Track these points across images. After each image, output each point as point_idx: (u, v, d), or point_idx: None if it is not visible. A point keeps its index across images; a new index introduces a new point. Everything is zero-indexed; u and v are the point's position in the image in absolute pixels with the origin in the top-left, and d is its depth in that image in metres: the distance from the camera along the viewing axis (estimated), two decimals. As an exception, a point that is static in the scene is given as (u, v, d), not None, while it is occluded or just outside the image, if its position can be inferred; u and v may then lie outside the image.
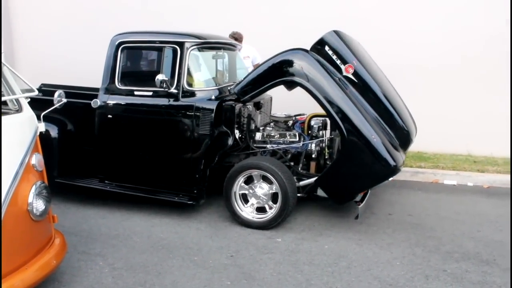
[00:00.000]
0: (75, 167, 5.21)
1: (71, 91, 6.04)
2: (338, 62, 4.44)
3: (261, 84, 4.64)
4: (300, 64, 4.42)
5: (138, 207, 4.96)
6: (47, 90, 5.31)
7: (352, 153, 4.24)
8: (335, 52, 4.45)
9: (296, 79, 4.44)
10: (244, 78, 4.75)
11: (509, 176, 6.20)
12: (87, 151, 5.09)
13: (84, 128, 5.08)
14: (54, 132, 5.08)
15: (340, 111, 4.21)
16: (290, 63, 4.49)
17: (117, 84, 4.83)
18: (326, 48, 4.45)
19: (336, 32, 4.55)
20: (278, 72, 4.55)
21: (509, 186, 6.06)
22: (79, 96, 5.45)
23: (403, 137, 4.56)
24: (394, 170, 4.20)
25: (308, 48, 4.52)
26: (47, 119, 4.97)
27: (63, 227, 4.45)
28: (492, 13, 6.84)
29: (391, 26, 6.86)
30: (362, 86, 4.45)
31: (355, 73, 4.43)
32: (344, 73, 4.42)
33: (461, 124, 7.04)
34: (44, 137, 4.92)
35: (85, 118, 5.00)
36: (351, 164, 4.27)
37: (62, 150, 5.11)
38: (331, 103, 4.26)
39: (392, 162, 4.14)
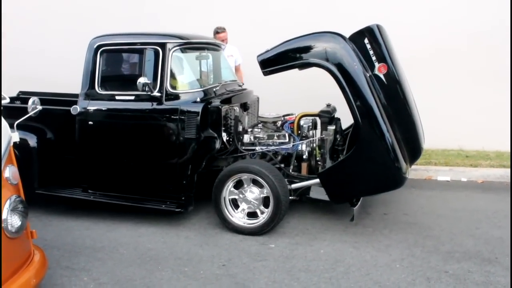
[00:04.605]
0: (56, 177, 4.98)
1: (51, 98, 5.85)
2: (374, 58, 4.22)
3: (282, 63, 4.40)
4: (326, 46, 4.17)
5: (124, 216, 4.74)
6: (25, 98, 5.09)
7: (367, 149, 4.08)
8: (374, 47, 4.23)
9: (316, 60, 4.21)
10: (270, 50, 4.45)
11: (503, 170, 6.11)
12: (68, 160, 4.87)
13: (65, 136, 4.85)
14: (33, 141, 4.85)
15: (363, 101, 4.02)
16: (315, 46, 4.26)
17: (97, 89, 4.61)
18: (366, 40, 4.22)
19: (379, 26, 4.35)
20: (299, 53, 4.33)
21: (503, 180, 5.97)
22: (59, 103, 5.25)
23: (413, 151, 4.46)
24: (403, 179, 4.10)
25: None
26: (25, 128, 4.80)
27: (45, 240, 4.25)
28: (483, 6, 6.76)
29: (379, 19, 6.69)
30: (390, 90, 4.26)
31: (387, 75, 4.23)
32: (376, 71, 4.22)
33: (451, 119, 6.94)
34: (23, 147, 4.76)
35: (66, 126, 4.77)
36: (363, 160, 4.11)
37: (42, 159, 4.87)
38: (355, 92, 4.04)
39: (402, 170, 4.04)
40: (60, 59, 8.10)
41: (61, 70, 7.84)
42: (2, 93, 2.99)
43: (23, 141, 4.76)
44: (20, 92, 6.29)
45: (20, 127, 4.64)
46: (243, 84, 5.62)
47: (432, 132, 6.61)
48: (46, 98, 5.79)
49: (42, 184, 4.88)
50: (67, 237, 4.35)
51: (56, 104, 5.16)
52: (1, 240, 2.62)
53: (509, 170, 6.04)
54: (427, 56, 6.91)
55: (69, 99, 5.16)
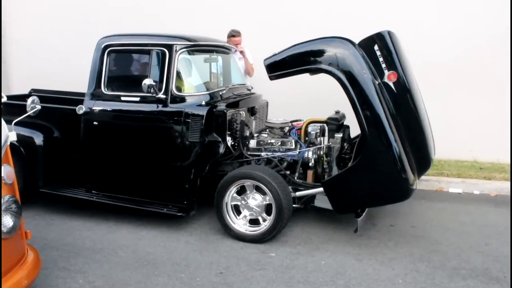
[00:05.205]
0: (62, 176, 4.98)
1: (60, 97, 5.87)
2: (383, 65, 4.11)
3: (289, 67, 4.28)
4: (335, 52, 4.05)
5: (126, 218, 4.71)
6: (37, 96, 5.09)
7: (373, 158, 3.96)
8: (384, 54, 4.13)
9: (323, 66, 4.09)
10: (277, 54, 4.33)
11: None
12: (74, 159, 4.85)
13: (71, 136, 4.84)
14: (39, 139, 4.85)
15: (370, 109, 3.90)
16: (323, 51, 4.14)
17: (103, 89, 4.59)
18: (376, 47, 4.12)
19: (390, 33, 4.24)
20: (307, 58, 4.21)
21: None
22: (68, 101, 5.24)
23: (422, 162, 4.34)
24: (409, 190, 3.98)
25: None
26: (32, 126, 4.83)
27: (45, 240, 4.24)
28: (495, 12, 6.57)
29: (392, 25, 6.59)
30: (399, 99, 4.14)
31: (397, 83, 4.12)
32: (386, 79, 4.11)
33: (465, 129, 6.76)
34: (29, 145, 4.78)
35: (72, 125, 4.76)
36: (368, 171, 3.99)
37: (48, 158, 4.87)
38: (362, 98, 3.91)
39: (410, 182, 3.92)
40: (74, 58, 8.12)
41: (75, 69, 7.86)
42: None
43: (29, 139, 4.80)
44: (32, 89, 6.32)
45: (26, 125, 4.74)
46: (251, 88, 5.54)
47: (446, 142, 6.47)
48: (56, 97, 5.85)
49: (47, 182, 4.87)
50: (67, 237, 4.32)
51: (65, 103, 5.16)
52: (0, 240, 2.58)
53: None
54: (440, 63, 6.75)
55: (80, 98, 5.15)
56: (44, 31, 8.57)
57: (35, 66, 8.53)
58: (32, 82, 6.99)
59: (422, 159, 4.35)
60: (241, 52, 6.29)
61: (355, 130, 4.77)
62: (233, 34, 6.40)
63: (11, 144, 3.11)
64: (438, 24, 6.82)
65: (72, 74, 7.65)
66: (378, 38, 4.17)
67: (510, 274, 3.62)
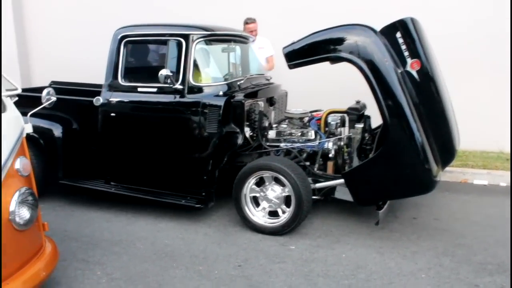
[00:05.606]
0: (81, 168, 4.98)
1: (79, 88, 5.88)
2: (406, 54, 3.95)
3: (308, 56, 4.19)
4: (356, 40, 3.95)
5: (145, 209, 4.70)
6: (56, 88, 5.11)
7: (395, 149, 3.86)
8: (407, 42, 3.96)
9: (344, 54, 3.99)
10: (296, 42, 4.24)
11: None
12: (93, 150, 4.86)
13: (90, 127, 4.83)
14: (58, 131, 4.86)
15: (392, 99, 3.80)
16: (343, 39, 4.03)
17: (120, 80, 4.56)
18: (398, 34, 3.96)
19: (413, 20, 4.08)
20: (327, 46, 4.10)
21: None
22: (87, 93, 5.24)
23: (446, 153, 4.19)
24: (433, 182, 3.86)
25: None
26: (51, 117, 4.84)
27: (65, 231, 4.26)
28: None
29: (413, 12, 6.41)
30: (423, 88, 3.99)
31: (420, 72, 3.97)
32: (408, 68, 3.97)
33: (491, 118, 6.54)
34: (48, 137, 4.80)
35: (91, 117, 4.75)
36: (390, 162, 3.89)
37: (67, 150, 4.88)
38: (384, 87, 3.82)
39: (433, 173, 3.81)
40: (95, 50, 8.12)
41: (96, 61, 7.88)
42: (14, 83, 2.93)
43: (48, 131, 4.82)
44: (52, 82, 6.35)
45: (45, 117, 4.75)
46: (270, 78, 5.44)
47: (471, 133, 6.23)
48: (74, 89, 5.86)
49: (67, 174, 4.89)
50: (86, 229, 4.33)
51: (85, 95, 5.15)
52: (0, 233, 2.56)
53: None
54: (466, 52, 6.54)
55: (98, 90, 5.14)
56: (64, 24, 8.60)
57: (57, 59, 8.57)
58: (54, 74, 7.03)
59: (446, 150, 4.21)
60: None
61: (376, 120, 4.65)
62: (247, 22, 6.34)
63: (29, 136, 3.11)
64: (461, 8, 6.59)
65: (94, 66, 7.68)
66: (401, 25, 4.01)
67: (510, 267, 3.52)
